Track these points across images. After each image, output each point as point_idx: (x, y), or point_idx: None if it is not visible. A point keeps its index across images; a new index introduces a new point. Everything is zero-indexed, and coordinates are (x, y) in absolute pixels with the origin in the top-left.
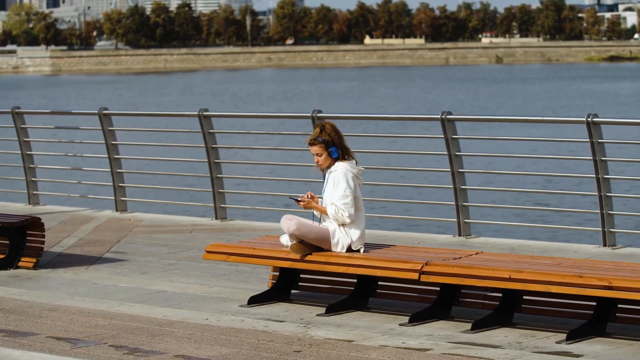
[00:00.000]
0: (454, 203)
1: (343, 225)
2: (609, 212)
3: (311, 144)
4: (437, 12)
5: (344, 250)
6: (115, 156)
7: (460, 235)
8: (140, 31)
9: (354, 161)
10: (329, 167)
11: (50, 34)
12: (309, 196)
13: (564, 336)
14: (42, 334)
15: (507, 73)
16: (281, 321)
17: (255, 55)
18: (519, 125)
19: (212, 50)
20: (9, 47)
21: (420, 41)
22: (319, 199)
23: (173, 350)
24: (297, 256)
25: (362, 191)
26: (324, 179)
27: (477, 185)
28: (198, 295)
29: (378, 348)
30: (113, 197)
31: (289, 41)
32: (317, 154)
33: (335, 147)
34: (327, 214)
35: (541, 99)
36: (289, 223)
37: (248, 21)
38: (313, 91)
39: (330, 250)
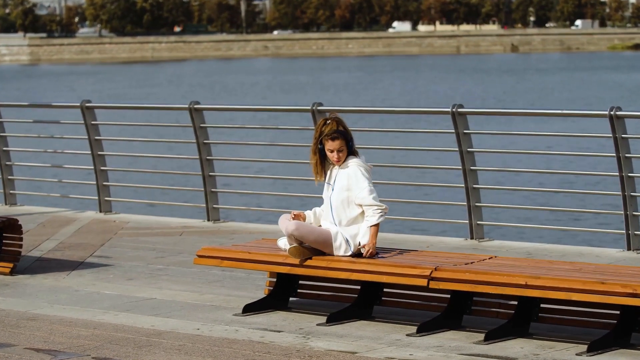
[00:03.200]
0: (465, 203)
1: (352, 225)
2: (634, 213)
3: (333, 138)
4: None
5: (347, 254)
6: (99, 152)
7: (472, 238)
8: (126, 17)
9: (363, 157)
10: (339, 165)
11: (28, 20)
12: (293, 216)
13: (584, 347)
14: (19, 345)
15: (523, 63)
16: (278, 331)
17: (251, 44)
18: (536, 119)
19: (203, 38)
20: None
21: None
22: (307, 213)
23: None
24: (296, 260)
25: None
26: (327, 177)
27: (491, 184)
28: (188, 303)
29: None
30: (96, 197)
31: (177, 28)
32: (337, 150)
33: (352, 141)
34: (375, 231)
35: (560, 91)
36: (288, 223)
37: (243, 6)
38: (313, 82)
39: (332, 254)
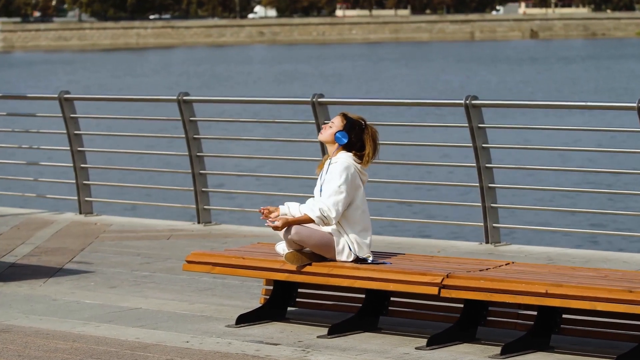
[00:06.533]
0: (480, 204)
1: (344, 228)
2: None
3: (338, 115)
4: None
5: (350, 260)
6: (79, 148)
7: (487, 242)
8: (108, 0)
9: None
10: (331, 157)
11: (1, 4)
12: (265, 212)
13: None
14: None
15: (543, 50)
16: (276, 344)
17: (245, 29)
18: (558, 112)
19: (193, 23)
20: None
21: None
22: (281, 208)
23: None
24: (294, 267)
25: (370, 190)
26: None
27: (508, 183)
28: (177, 314)
29: None
30: (76, 197)
31: (36, 13)
32: (330, 123)
33: (346, 134)
34: (310, 220)
35: (584, 81)
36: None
37: None
38: (313, 72)
39: (334, 259)
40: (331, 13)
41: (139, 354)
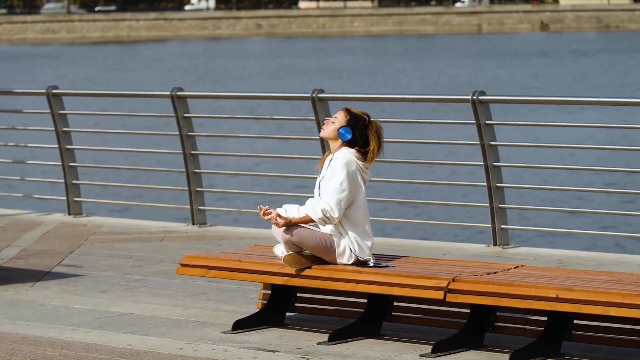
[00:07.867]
0: (487, 205)
1: (345, 228)
2: None
3: (339, 110)
4: None
5: (351, 262)
6: (67, 146)
7: (495, 244)
8: None
9: (363, 155)
10: (332, 153)
11: None
12: (263, 212)
13: None
14: None
15: (554, 43)
16: (273, 351)
17: (242, 22)
18: (569, 108)
19: (187, 15)
20: None
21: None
22: (279, 211)
23: None
24: (293, 270)
25: (372, 190)
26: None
27: (517, 183)
28: (170, 319)
29: None
30: (64, 198)
31: None
32: (333, 119)
33: (350, 130)
34: (312, 220)
35: (597, 75)
36: (284, 228)
37: None
38: (313, 66)
39: (335, 262)
40: (292, 5)
41: None
